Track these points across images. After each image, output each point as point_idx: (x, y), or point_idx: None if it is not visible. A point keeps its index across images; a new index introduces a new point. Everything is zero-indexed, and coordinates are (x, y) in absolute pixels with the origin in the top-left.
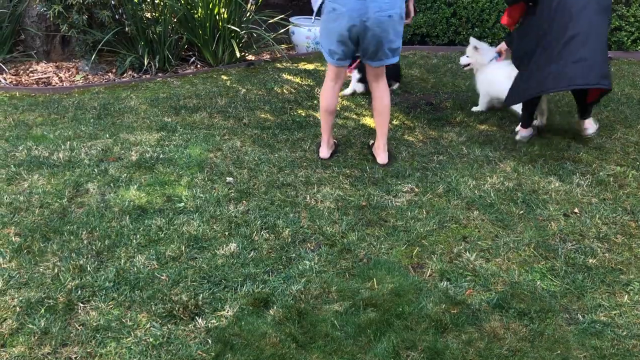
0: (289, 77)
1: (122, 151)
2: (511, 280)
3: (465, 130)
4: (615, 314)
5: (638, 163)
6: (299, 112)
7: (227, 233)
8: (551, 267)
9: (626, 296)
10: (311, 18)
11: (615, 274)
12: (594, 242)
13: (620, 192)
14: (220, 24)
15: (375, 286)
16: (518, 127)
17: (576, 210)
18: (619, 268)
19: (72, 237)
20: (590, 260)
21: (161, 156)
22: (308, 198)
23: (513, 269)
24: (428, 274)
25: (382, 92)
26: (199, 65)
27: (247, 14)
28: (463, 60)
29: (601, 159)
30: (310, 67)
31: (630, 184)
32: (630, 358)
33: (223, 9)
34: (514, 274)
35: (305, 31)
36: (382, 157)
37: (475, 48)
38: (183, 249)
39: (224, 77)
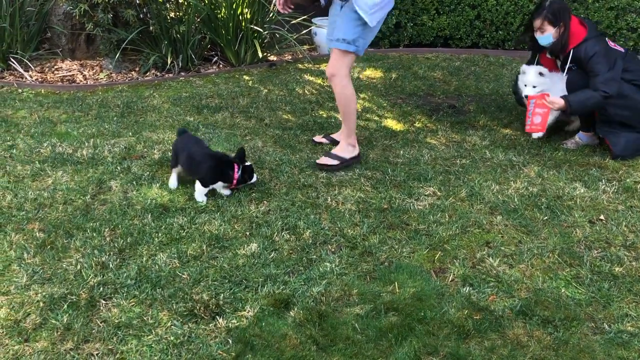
0: (311, 78)
1: (145, 149)
2: (535, 287)
3: (489, 134)
4: None
5: None
6: (320, 113)
7: (248, 233)
8: (576, 275)
9: None
10: None
11: None
12: (621, 250)
13: None
14: (243, 24)
15: (397, 290)
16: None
17: (602, 217)
18: None
19: (94, 234)
20: (617, 269)
21: None
22: (329, 200)
23: (537, 275)
24: (450, 279)
25: None
26: (221, 65)
27: (270, 14)
28: (530, 92)
29: (628, 166)
30: None
31: None
32: None
33: (246, 9)
34: (537, 280)
35: None
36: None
37: (541, 74)
38: (204, 248)
39: (246, 77)
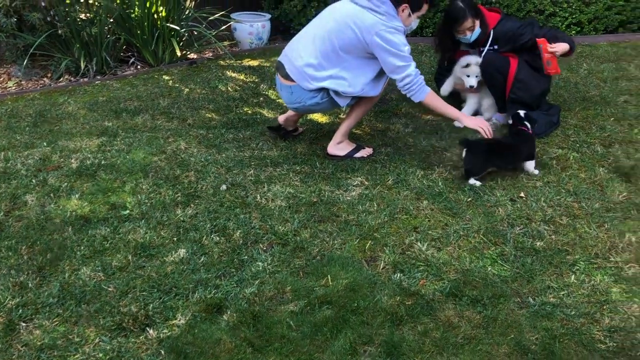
0: (233, 75)
1: (62, 159)
2: (463, 267)
3: (412, 121)
4: (563, 295)
5: (578, 145)
6: (245, 109)
7: (175, 239)
8: (501, 253)
9: (573, 276)
10: (253, 13)
11: (561, 255)
12: (541, 225)
13: (562, 174)
14: (159, 22)
15: (330, 283)
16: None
17: (522, 194)
18: (565, 249)
19: (10, 253)
20: (538, 243)
21: (103, 162)
22: (258, 197)
23: (464, 256)
24: (381, 267)
25: None
26: (139, 66)
27: (186, 12)
28: (474, 83)
29: (543, 143)
30: (254, 63)
31: (572, 165)
32: (579, 336)
33: (161, 7)
34: (465, 261)
35: (247, 27)
36: None
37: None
38: (130, 258)
39: (166, 77)
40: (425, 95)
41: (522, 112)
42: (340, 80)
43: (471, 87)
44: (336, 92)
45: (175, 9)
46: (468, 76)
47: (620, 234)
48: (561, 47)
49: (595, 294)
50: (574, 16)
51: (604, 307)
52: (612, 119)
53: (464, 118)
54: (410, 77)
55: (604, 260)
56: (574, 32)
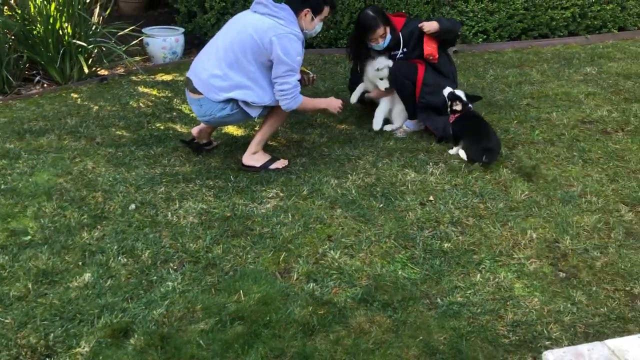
0: (146, 90)
1: None
2: (374, 273)
3: (326, 131)
4: (470, 293)
5: None
6: (158, 125)
7: (80, 263)
8: (411, 256)
9: (479, 275)
10: (166, 27)
11: (468, 255)
12: (449, 227)
13: (469, 176)
14: (65, 39)
15: (242, 298)
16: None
17: (431, 198)
18: (472, 249)
19: None
20: (446, 245)
21: (2, 187)
22: (169, 215)
23: (376, 262)
24: (295, 278)
25: None
26: (45, 85)
27: (94, 27)
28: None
29: (451, 147)
30: (168, 78)
31: (478, 168)
32: (484, 333)
33: (66, 23)
34: (376, 266)
35: (160, 41)
36: None
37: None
38: (30, 286)
39: (74, 95)
40: (297, 105)
41: (461, 93)
42: (247, 90)
43: (386, 89)
44: (246, 103)
45: (81, 25)
46: (381, 79)
47: (522, 232)
48: (429, 25)
49: (500, 290)
50: (480, 25)
51: (508, 302)
52: (515, 121)
53: (324, 103)
54: (289, 85)
55: (508, 258)
56: (480, 39)
